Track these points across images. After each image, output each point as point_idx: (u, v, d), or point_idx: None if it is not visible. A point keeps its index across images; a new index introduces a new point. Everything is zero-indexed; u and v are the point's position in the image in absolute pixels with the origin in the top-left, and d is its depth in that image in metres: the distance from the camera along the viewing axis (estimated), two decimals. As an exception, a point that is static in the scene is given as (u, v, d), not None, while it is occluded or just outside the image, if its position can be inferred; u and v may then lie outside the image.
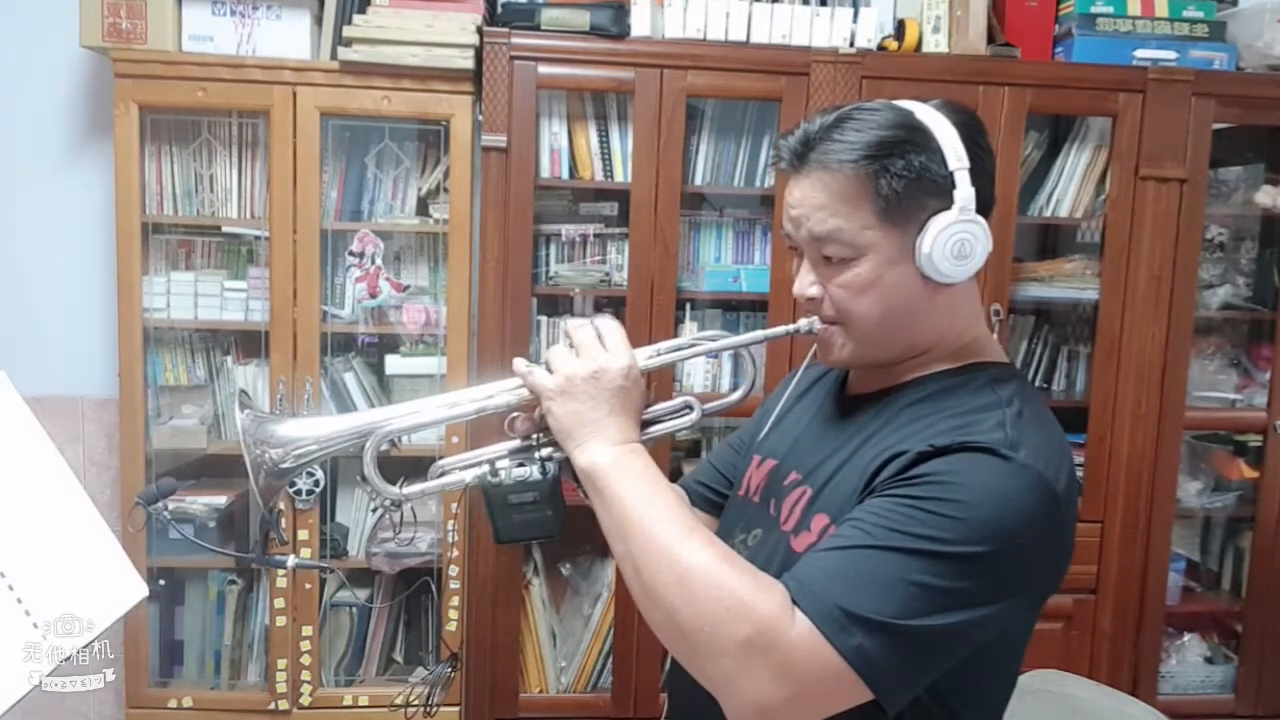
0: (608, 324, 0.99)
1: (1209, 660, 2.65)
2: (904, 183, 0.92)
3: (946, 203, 0.93)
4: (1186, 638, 2.65)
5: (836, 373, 1.13)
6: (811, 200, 0.95)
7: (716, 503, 1.23)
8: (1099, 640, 2.49)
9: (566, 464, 0.98)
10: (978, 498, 0.84)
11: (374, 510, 2.45)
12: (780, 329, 1.04)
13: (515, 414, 1.02)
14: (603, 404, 0.95)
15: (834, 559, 0.85)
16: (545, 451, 1.00)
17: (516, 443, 1.02)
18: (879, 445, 0.95)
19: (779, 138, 1.00)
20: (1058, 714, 1.60)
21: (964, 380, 0.98)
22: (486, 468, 1.00)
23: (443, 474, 1.02)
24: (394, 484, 1.02)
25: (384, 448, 1.01)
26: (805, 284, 0.99)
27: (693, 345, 1.05)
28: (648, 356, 1.02)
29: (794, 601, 0.83)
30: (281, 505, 2.30)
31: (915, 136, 0.93)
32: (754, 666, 0.81)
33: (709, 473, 1.26)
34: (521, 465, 0.99)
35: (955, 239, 0.93)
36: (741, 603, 0.82)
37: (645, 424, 1.01)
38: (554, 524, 1.00)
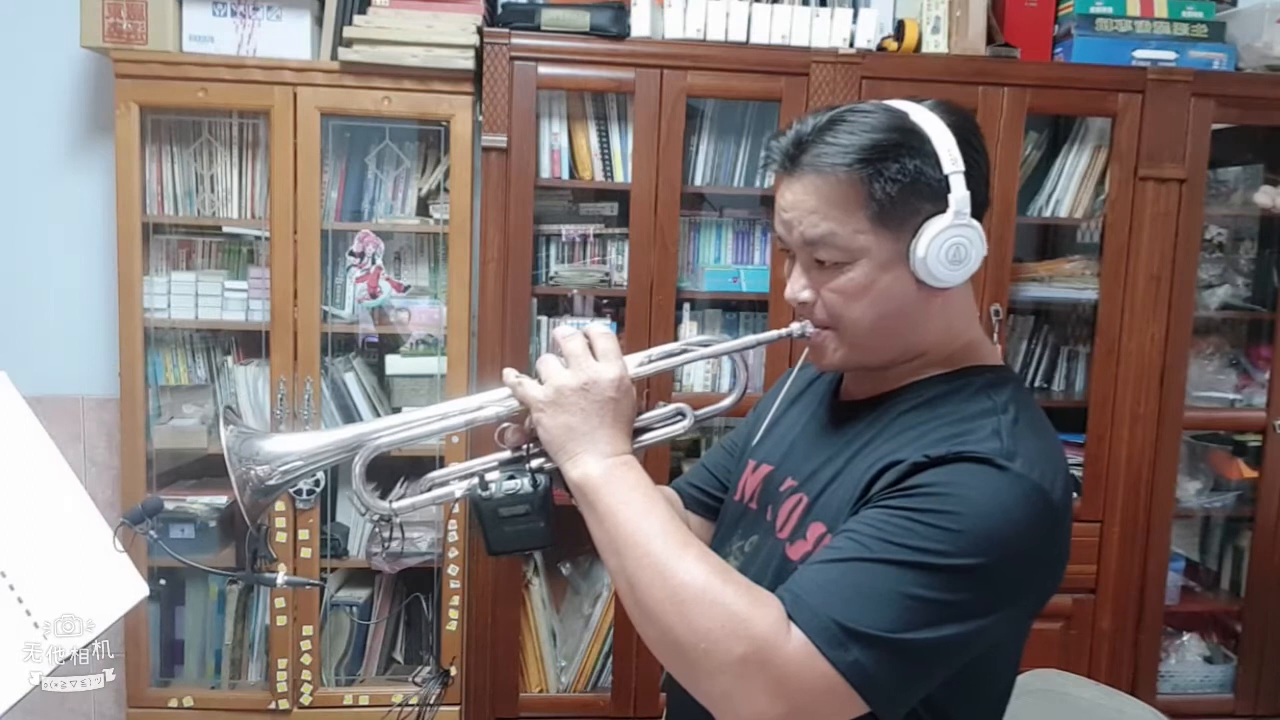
0: (599, 332, 0.97)
1: (1208, 660, 2.65)
2: (898, 187, 0.90)
3: (941, 206, 0.92)
4: (1186, 637, 2.66)
5: (830, 376, 1.12)
6: (804, 204, 0.93)
7: (710, 506, 1.22)
8: (1098, 640, 2.49)
9: (558, 474, 0.96)
10: (973, 509, 0.84)
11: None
12: (773, 333, 1.03)
13: (505, 425, 1.01)
14: (593, 416, 0.93)
15: (829, 572, 0.84)
16: (536, 463, 0.98)
17: (507, 454, 1.01)
18: (874, 454, 0.93)
19: (771, 138, 0.99)
20: (1057, 714, 1.60)
21: (959, 385, 0.97)
22: (476, 480, 0.98)
23: (432, 487, 1.01)
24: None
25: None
26: (797, 288, 0.98)
27: (684, 351, 1.03)
28: (638, 364, 1.01)
29: (789, 616, 0.82)
30: (280, 505, 2.30)
31: (909, 139, 0.91)
32: (751, 683, 0.80)
33: (702, 475, 1.25)
34: (512, 477, 0.97)
35: (950, 243, 0.91)
36: (737, 619, 0.81)
37: (637, 432, 1.00)
38: (546, 535, 0.98)
